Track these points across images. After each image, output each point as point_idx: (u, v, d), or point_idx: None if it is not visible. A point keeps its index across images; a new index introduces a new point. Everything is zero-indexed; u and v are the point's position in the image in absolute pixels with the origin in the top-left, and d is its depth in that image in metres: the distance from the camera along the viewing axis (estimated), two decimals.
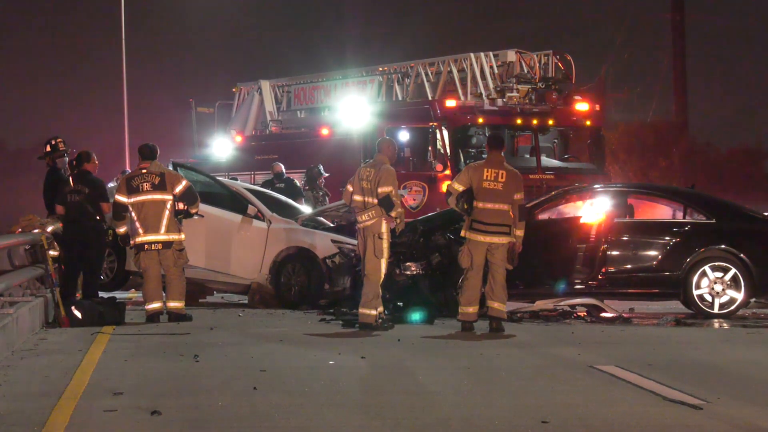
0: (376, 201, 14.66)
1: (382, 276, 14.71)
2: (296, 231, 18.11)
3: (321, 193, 22.94)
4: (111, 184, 23.07)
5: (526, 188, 22.27)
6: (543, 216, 16.99)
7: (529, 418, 8.88)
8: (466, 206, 14.62)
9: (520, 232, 14.62)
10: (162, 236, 15.67)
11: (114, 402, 9.41)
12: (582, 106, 23.60)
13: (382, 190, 14.62)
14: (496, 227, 14.54)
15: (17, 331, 12.91)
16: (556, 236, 16.56)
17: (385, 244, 14.66)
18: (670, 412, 9.12)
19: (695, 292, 16.17)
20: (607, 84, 41.64)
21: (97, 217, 16.23)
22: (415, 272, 16.58)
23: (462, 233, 14.80)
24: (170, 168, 16.84)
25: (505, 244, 14.53)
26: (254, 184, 22.83)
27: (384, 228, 14.66)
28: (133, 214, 15.69)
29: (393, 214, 14.62)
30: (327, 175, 23.21)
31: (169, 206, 15.65)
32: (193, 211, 15.93)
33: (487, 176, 14.60)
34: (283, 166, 23.44)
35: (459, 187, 14.67)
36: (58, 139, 17.06)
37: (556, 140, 23.89)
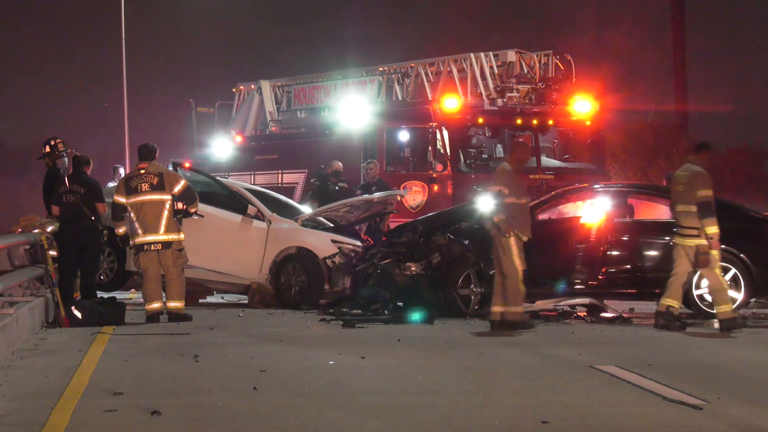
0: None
1: (520, 272, 14.62)
2: (296, 231, 18.11)
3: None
4: (111, 184, 23.10)
5: (526, 188, 22.36)
6: (543, 216, 16.99)
7: (529, 418, 8.88)
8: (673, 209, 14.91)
9: (709, 230, 14.50)
10: (161, 236, 15.67)
11: (114, 402, 9.41)
12: (582, 105, 23.58)
13: (491, 188, 14.72)
14: (687, 229, 14.64)
15: (17, 331, 12.91)
16: (556, 236, 16.56)
17: (512, 241, 14.60)
18: (670, 412, 9.12)
19: (695, 292, 16.17)
20: (606, 84, 41.61)
21: (93, 218, 16.22)
22: (415, 272, 16.59)
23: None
24: (170, 168, 16.85)
25: (693, 247, 14.56)
26: (254, 184, 22.79)
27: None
28: (132, 214, 15.69)
29: (495, 219, 14.65)
30: None
31: (168, 206, 15.65)
32: (192, 210, 15.92)
33: (677, 179, 14.84)
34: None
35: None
36: (58, 140, 17.05)
37: (556, 140, 23.88)
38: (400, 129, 23.45)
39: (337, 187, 21.29)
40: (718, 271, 14.66)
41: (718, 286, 14.63)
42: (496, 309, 14.67)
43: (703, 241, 14.50)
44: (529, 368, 11.58)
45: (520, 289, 14.60)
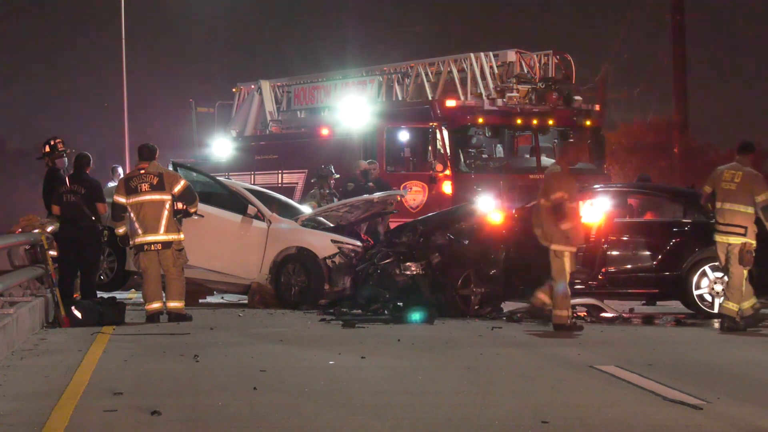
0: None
1: (567, 276, 14.58)
2: (296, 231, 18.11)
3: (327, 192, 22.86)
4: (111, 184, 23.10)
5: (526, 188, 22.31)
6: None
7: (529, 418, 8.88)
8: (710, 206, 15.02)
9: None
10: (161, 236, 15.66)
11: (114, 402, 9.41)
12: (582, 105, 23.60)
13: (553, 196, 14.64)
14: (732, 227, 14.74)
15: (17, 331, 12.91)
16: None
17: (560, 245, 14.58)
18: (670, 412, 9.12)
19: (695, 292, 16.18)
20: (607, 84, 41.62)
21: (93, 218, 16.22)
22: (415, 272, 16.59)
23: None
24: (170, 168, 16.86)
25: (738, 245, 14.68)
26: (254, 184, 22.79)
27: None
28: (132, 214, 15.69)
29: (563, 226, 14.55)
30: (337, 176, 23.13)
31: (167, 206, 15.65)
32: (192, 210, 15.92)
33: (725, 177, 14.89)
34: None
35: (708, 189, 15.07)
36: (58, 140, 17.04)
37: (556, 140, 23.89)
38: (400, 129, 23.46)
39: (369, 186, 21.24)
40: (746, 272, 14.75)
41: (739, 284, 14.75)
42: (541, 295, 14.66)
43: (750, 240, 14.64)
44: (529, 368, 11.58)
45: (567, 293, 14.64)
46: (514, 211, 17.35)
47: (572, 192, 14.69)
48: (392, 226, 19.63)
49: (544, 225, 14.65)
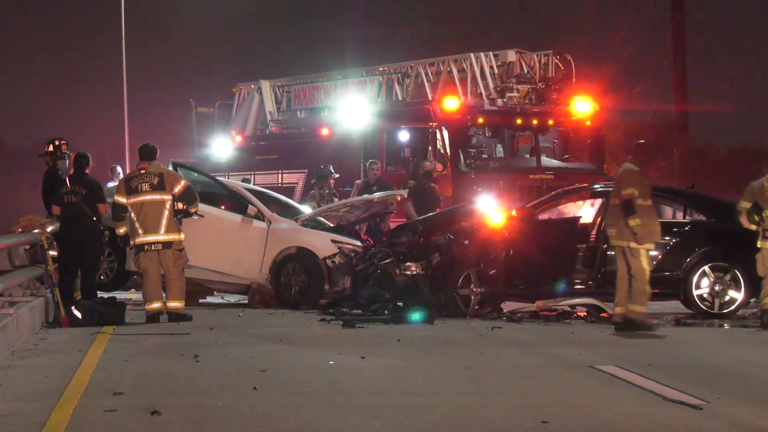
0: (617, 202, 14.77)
1: (648, 273, 14.60)
2: (296, 231, 18.11)
3: (327, 192, 22.87)
4: (111, 184, 23.10)
5: (526, 188, 22.28)
6: (543, 216, 17.00)
7: (529, 418, 8.88)
8: (757, 218, 15.23)
9: None
10: (161, 236, 15.67)
11: (114, 402, 9.41)
12: (582, 105, 23.57)
13: (624, 192, 14.67)
14: None
15: (17, 331, 12.91)
16: (556, 236, 16.56)
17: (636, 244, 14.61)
18: (670, 412, 9.13)
19: (695, 292, 16.18)
20: (607, 84, 41.60)
21: (94, 218, 16.22)
22: (415, 272, 16.59)
23: (758, 244, 15.22)
24: (170, 168, 16.86)
25: None
26: (254, 184, 22.79)
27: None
28: (132, 214, 15.69)
29: (631, 222, 14.58)
30: (337, 176, 23.14)
31: (168, 206, 15.65)
32: (193, 210, 15.93)
33: (764, 187, 15.20)
34: None
35: (746, 205, 15.31)
36: (63, 141, 17.02)
37: (556, 140, 23.88)
38: (400, 129, 23.46)
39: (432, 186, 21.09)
40: None
41: None
42: (619, 310, 14.68)
43: None
44: (529, 368, 11.58)
45: (646, 291, 14.66)
46: (513, 210, 17.35)
47: (645, 190, 14.72)
48: (392, 225, 19.63)
49: (618, 223, 14.68)
